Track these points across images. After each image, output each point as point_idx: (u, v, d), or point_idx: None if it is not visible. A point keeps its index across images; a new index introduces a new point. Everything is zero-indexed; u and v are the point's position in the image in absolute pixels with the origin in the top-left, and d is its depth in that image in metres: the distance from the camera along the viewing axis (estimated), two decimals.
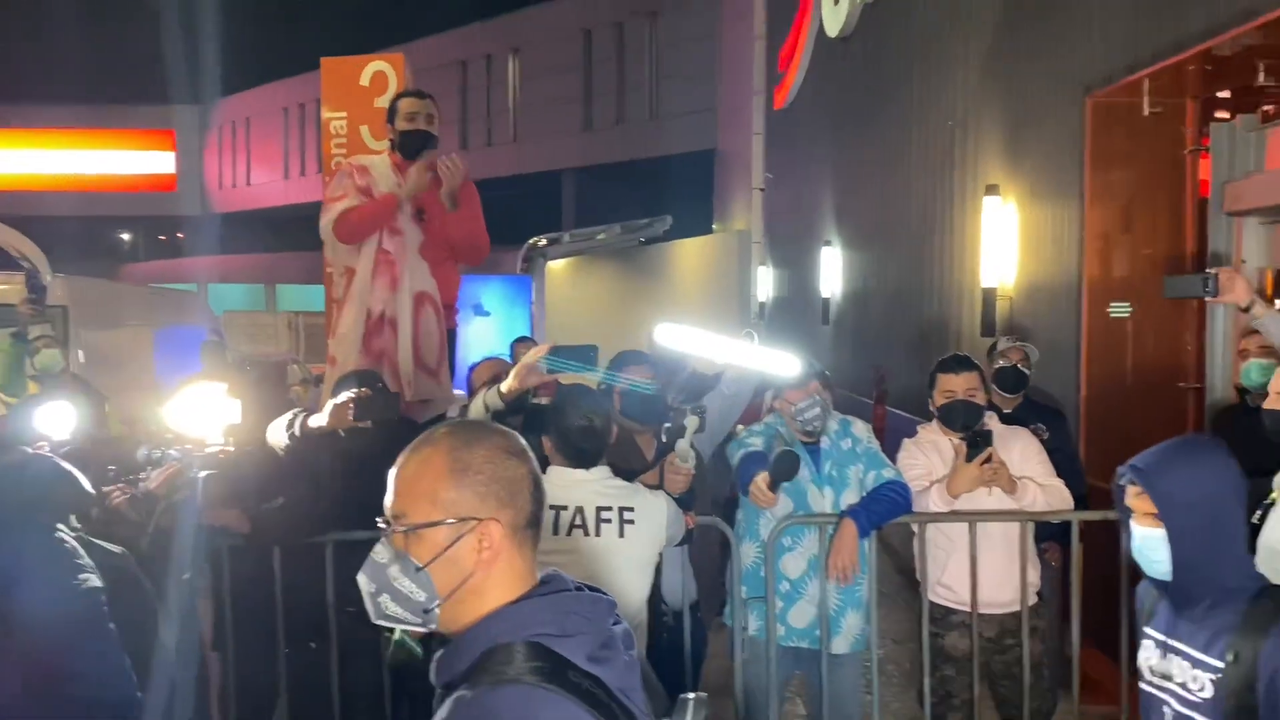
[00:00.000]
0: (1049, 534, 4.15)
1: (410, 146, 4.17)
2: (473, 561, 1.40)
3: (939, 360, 3.72)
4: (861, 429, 3.60)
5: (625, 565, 2.84)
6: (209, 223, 27.69)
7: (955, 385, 3.59)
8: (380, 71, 5.64)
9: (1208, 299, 3.32)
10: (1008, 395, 4.54)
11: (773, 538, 3.45)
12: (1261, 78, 4.40)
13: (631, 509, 2.86)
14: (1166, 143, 5.21)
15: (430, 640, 2.91)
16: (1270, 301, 4.21)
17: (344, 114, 5.66)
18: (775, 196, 14.77)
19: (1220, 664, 1.89)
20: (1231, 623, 1.90)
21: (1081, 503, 3.99)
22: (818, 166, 12.61)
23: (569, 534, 2.81)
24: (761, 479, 3.27)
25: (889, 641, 5.55)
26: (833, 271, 11.70)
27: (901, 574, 5.87)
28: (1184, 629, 1.98)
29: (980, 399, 3.60)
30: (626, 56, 20.69)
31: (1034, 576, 3.66)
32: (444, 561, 1.39)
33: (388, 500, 1.45)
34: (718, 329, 3.71)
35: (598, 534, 2.82)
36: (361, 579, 1.46)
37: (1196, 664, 1.94)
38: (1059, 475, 3.83)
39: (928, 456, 3.64)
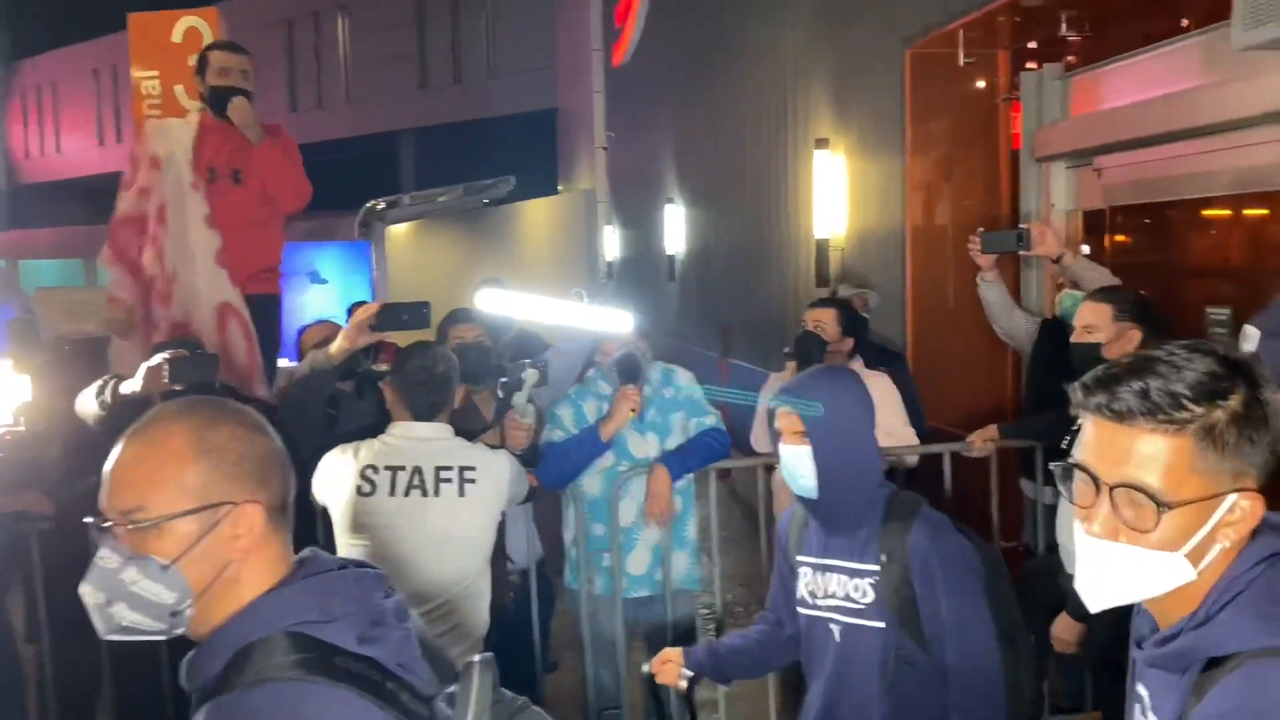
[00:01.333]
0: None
1: (223, 103, 3.96)
2: (229, 551, 1.26)
3: (809, 304, 3.93)
4: (684, 377, 3.65)
5: (467, 525, 2.81)
6: (14, 195, 25.77)
7: (807, 318, 3.75)
8: (193, 27, 5.32)
9: (1021, 253, 3.55)
10: (848, 338, 4.68)
11: (615, 489, 3.47)
12: (1065, 28, 4.63)
13: (472, 468, 2.83)
14: (981, 93, 5.44)
15: None
16: (1077, 249, 4.48)
17: (155, 73, 5.32)
18: (619, 155, 14.75)
19: (875, 566, 2.08)
20: (877, 528, 2.10)
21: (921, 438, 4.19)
22: (658, 124, 12.66)
23: (407, 494, 2.76)
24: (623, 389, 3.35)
25: (736, 585, 5.69)
26: (676, 229, 11.81)
27: (749, 518, 6.03)
28: (836, 545, 2.15)
29: (830, 333, 3.74)
30: (462, 13, 20.19)
31: None
32: (196, 555, 1.25)
33: (110, 496, 1.28)
34: (567, 290, 3.73)
35: (437, 494, 2.77)
36: (86, 590, 1.28)
37: (854, 574, 2.11)
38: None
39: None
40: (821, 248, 7.08)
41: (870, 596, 2.10)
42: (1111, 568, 1.19)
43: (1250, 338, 2.61)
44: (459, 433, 2.95)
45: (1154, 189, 4.18)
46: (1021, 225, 3.56)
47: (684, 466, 3.51)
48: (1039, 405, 3.77)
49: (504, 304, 3.43)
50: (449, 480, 2.77)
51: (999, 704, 2.04)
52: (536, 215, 17.18)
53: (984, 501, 3.85)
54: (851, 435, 2.14)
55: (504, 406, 3.26)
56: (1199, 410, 1.14)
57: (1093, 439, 1.20)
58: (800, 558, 2.25)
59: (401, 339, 3.28)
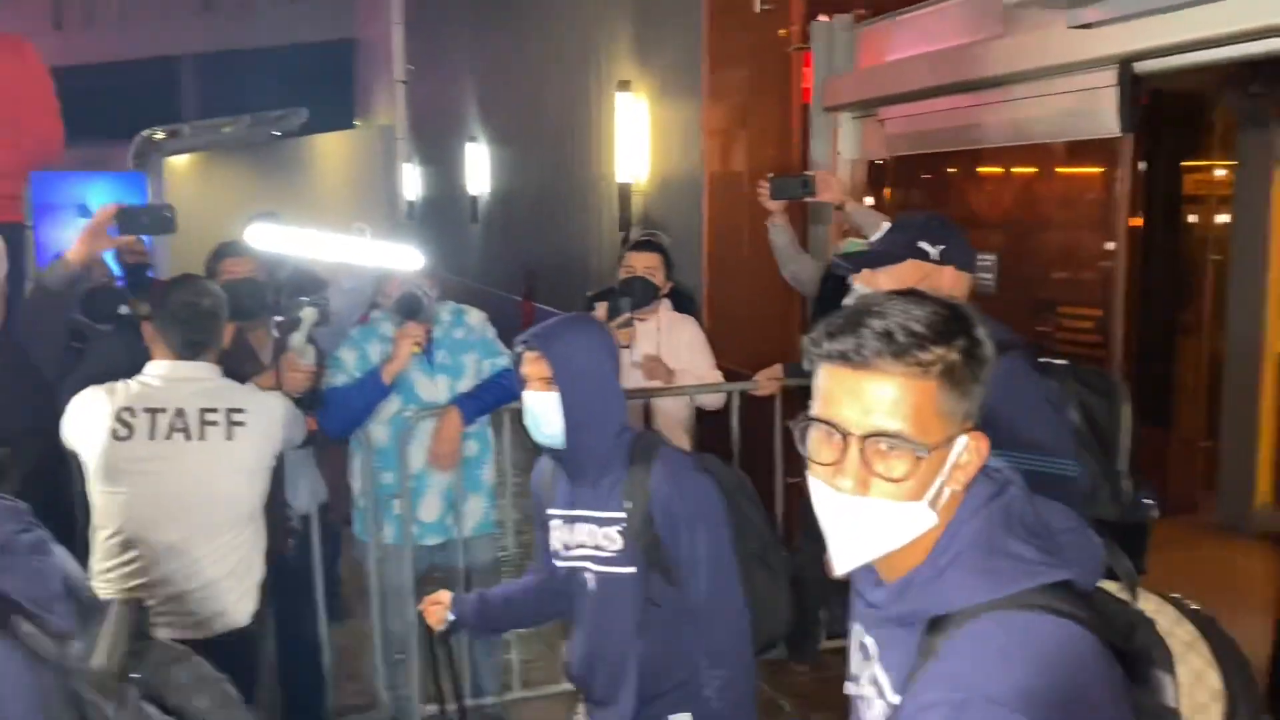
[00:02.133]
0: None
1: None
2: None
3: (624, 241, 3.88)
4: (476, 318, 3.57)
5: (234, 470, 2.65)
6: None
7: (636, 262, 3.71)
8: None
9: (807, 199, 3.65)
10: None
11: (402, 435, 3.37)
12: None
13: (241, 410, 2.66)
14: (776, 41, 5.53)
15: None
16: (859, 197, 4.66)
17: None
18: (419, 90, 14.26)
19: (621, 514, 2.09)
20: (621, 474, 2.10)
21: None
22: (460, 59, 12.29)
23: (169, 438, 2.57)
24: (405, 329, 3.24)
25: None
26: (479, 169, 11.56)
27: None
28: (583, 496, 2.15)
29: (659, 279, 3.72)
30: None
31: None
32: None
33: None
34: (363, 229, 3.56)
35: (202, 437, 2.59)
36: None
37: (602, 521, 2.11)
38: None
39: None
40: (624, 191, 7.08)
41: (619, 544, 2.10)
42: (864, 525, 1.15)
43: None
44: (229, 374, 2.77)
45: (931, 140, 4.37)
46: (807, 172, 3.66)
47: (477, 409, 3.44)
48: None
49: (278, 239, 3.24)
50: (215, 423, 2.60)
51: (745, 639, 2.10)
52: (331, 150, 16.44)
53: (771, 439, 3.98)
54: (598, 381, 2.11)
55: (280, 347, 3.09)
56: (939, 351, 1.12)
57: (834, 389, 1.16)
58: (551, 511, 2.24)
59: None
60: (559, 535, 2.21)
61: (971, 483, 1.18)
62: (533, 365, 2.12)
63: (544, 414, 2.10)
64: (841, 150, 5.00)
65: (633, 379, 3.62)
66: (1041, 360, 2.10)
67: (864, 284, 2.14)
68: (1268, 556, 4.94)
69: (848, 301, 2.11)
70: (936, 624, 1.13)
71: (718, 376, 3.87)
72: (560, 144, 8.83)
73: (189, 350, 2.63)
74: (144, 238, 4.18)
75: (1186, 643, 1.23)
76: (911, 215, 2.22)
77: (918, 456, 1.12)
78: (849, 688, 1.38)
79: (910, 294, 1.19)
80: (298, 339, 3.03)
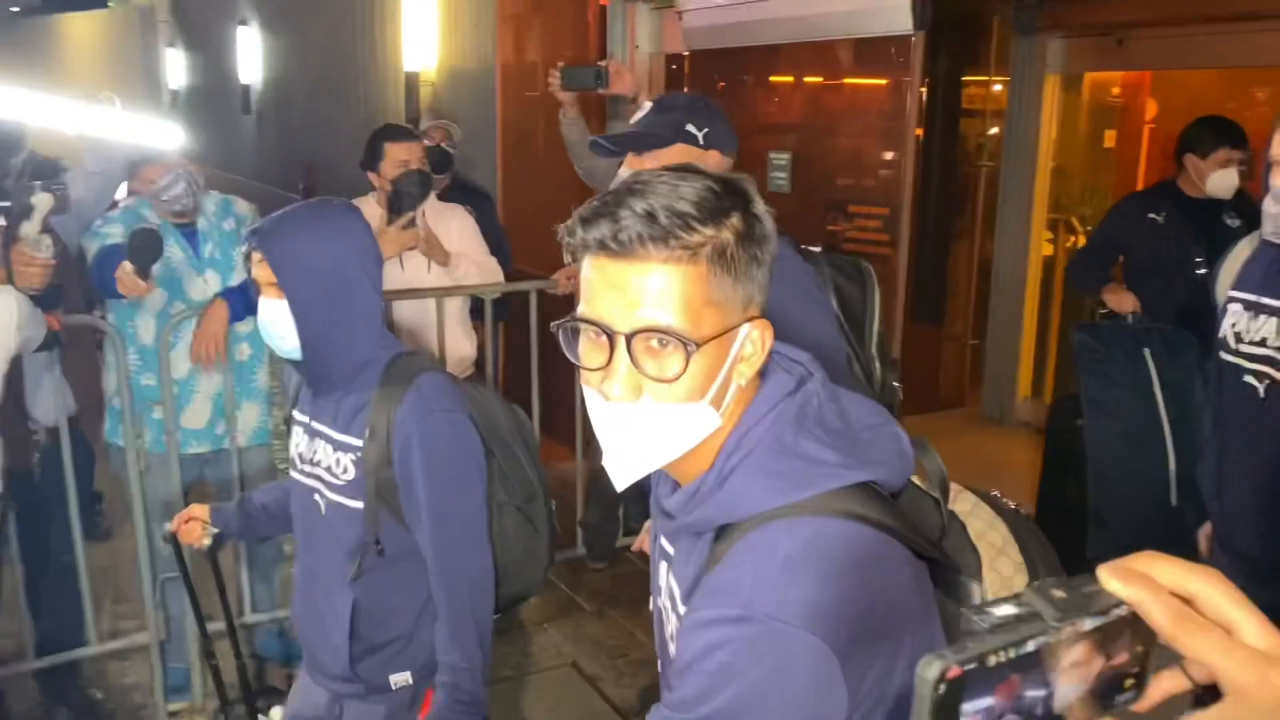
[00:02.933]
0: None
1: None
2: None
3: (380, 130, 3.49)
4: (244, 207, 3.28)
5: None
6: None
7: (409, 155, 3.39)
8: None
9: (599, 90, 3.50)
10: (436, 175, 4.47)
11: (163, 337, 3.06)
12: None
13: None
14: None
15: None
16: (651, 91, 4.56)
17: None
18: None
19: (359, 441, 1.79)
20: (366, 398, 1.79)
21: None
22: None
23: None
24: (125, 267, 2.84)
25: None
26: (252, 54, 10.71)
27: None
28: (325, 409, 1.85)
29: (425, 169, 3.46)
30: None
31: (470, 349, 3.70)
32: None
33: None
34: (112, 99, 3.15)
35: None
36: None
37: (338, 445, 1.82)
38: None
39: None
40: (411, 81, 6.71)
41: (351, 474, 1.80)
42: (640, 433, 1.03)
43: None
44: None
45: (729, 35, 4.30)
46: (600, 63, 3.50)
47: (247, 305, 3.15)
48: None
49: (11, 104, 2.81)
50: None
51: (483, 598, 1.84)
52: (82, 31, 14.84)
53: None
54: (335, 285, 1.75)
55: (9, 237, 2.70)
56: (709, 231, 0.99)
57: (596, 283, 1.02)
58: (295, 413, 1.95)
59: None
60: (299, 443, 1.93)
61: (764, 377, 1.07)
62: (259, 268, 1.76)
63: (272, 324, 1.78)
64: (639, 44, 4.88)
65: (418, 274, 3.43)
66: (801, 248, 2.09)
67: (630, 169, 2.03)
68: (1028, 444, 5.33)
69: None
70: (724, 532, 1.03)
71: (494, 263, 3.69)
72: (341, 29, 8.25)
73: None
74: None
75: (998, 547, 1.18)
76: (674, 95, 2.13)
77: (690, 352, 0.99)
78: (652, 601, 1.28)
79: (683, 169, 1.04)
80: (30, 228, 2.66)
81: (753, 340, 1.04)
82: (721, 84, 4.79)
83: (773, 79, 4.53)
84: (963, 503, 1.19)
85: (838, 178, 4.11)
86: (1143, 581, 0.57)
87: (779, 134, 4.40)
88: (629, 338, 1.00)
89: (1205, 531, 2.33)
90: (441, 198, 4.31)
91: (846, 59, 4.08)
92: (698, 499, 1.06)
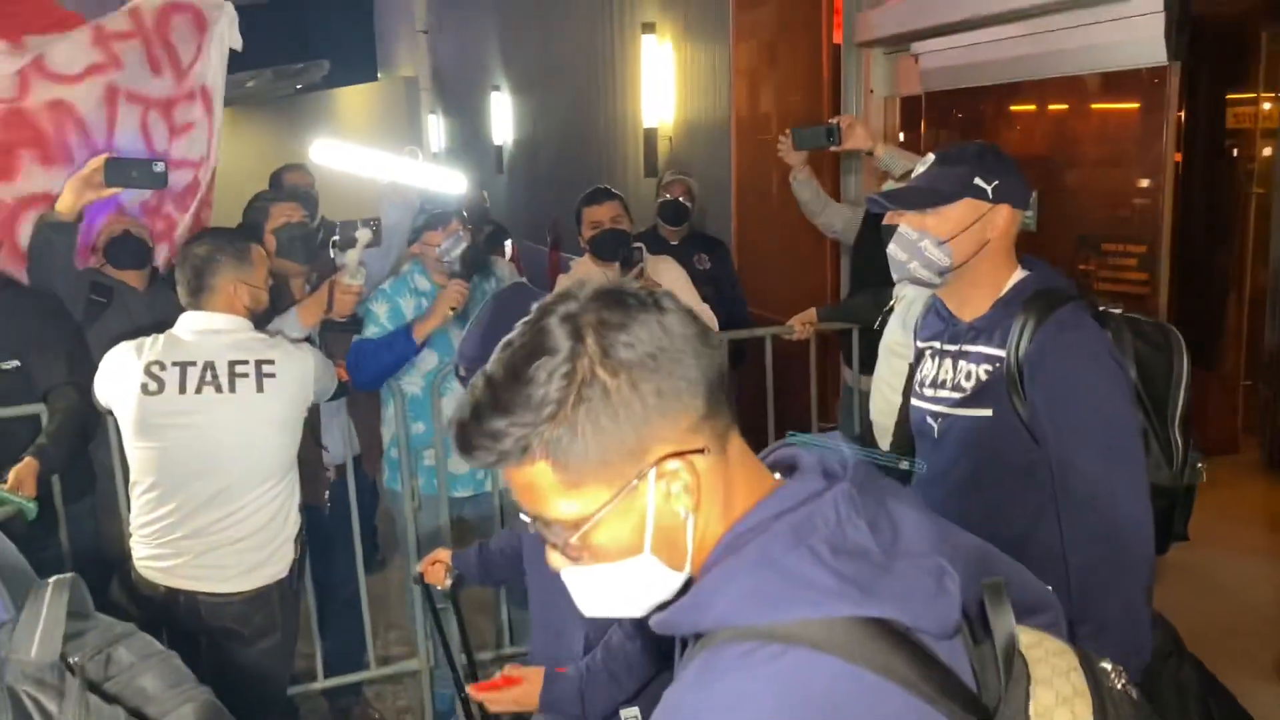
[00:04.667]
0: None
1: None
2: None
3: (582, 195, 3.73)
4: (505, 269, 3.55)
5: (266, 422, 2.63)
6: None
7: (600, 215, 3.61)
8: None
9: (833, 148, 3.50)
10: (672, 228, 4.65)
11: (433, 388, 3.34)
12: None
13: (271, 361, 2.64)
14: None
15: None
16: (887, 141, 4.55)
17: None
18: (441, 40, 14.10)
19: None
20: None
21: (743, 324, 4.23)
22: (482, 6, 12.12)
23: (199, 391, 2.56)
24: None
25: None
26: (503, 118, 11.44)
27: None
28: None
29: (625, 226, 3.64)
30: None
31: None
32: None
33: None
34: (388, 185, 3.58)
35: (232, 390, 2.58)
36: None
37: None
38: (722, 301, 4.07)
39: None
40: (650, 136, 6.98)
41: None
42: (593, 592, 0.98)
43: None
44: (260, 318, 2.78)
45: (967, 75, 4.24)
46: (830, 121, 3.53)
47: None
48: (862, 287, 3.84)
49: (337, 155, 3.23)
50: (245, 375, 2.58)
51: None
52: (354, 103, 16.34)
53: (806, 385, 3.92)
54: None
55: (332, 267, 3.09)
56: (520, 434, 0.88)
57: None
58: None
59: None
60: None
61: (781, 483, 0.96)
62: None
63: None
64: (874, 88, 4.88)
65: None
66: (1100, 310, 1.95)
67: (912, 227, 1.91)
68: None
69: (894, 250, 1.95)
70: (699, 641, 0.92)
71: (709, 310, 3.77)
72: (584, 90, 8.70)
73: (190, 298, 2.62)
74: None
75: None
76: (960, 145, 1.96)
77: (576, 533, 0.92)
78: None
79: (533, 329, 0.91)
80: (353, 256, 3.00)
81: (673, 476, 0.91)
82: (960, 123, 4.71)
83: (1014, 115, 4.42)
84: (1043, 667, 0.95)
85: (1089, 214, 3.94)
86: None
87: (1025, 171, 4.28)
88: (531, 522, 0.96)
89: None
90: (679, 247, 4.48)
91: (1095, 93, 3.93)
92: (679, 601, 0.94)
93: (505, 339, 0.93)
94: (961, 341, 1.95)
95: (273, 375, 2.62)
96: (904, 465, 2.39)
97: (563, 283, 3.76)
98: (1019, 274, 1.93)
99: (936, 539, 0.95)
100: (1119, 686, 0.97)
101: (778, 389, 3.84)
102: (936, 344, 2.02)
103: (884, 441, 2.89)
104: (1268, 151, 5.69)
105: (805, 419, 3.97)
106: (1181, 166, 5.70)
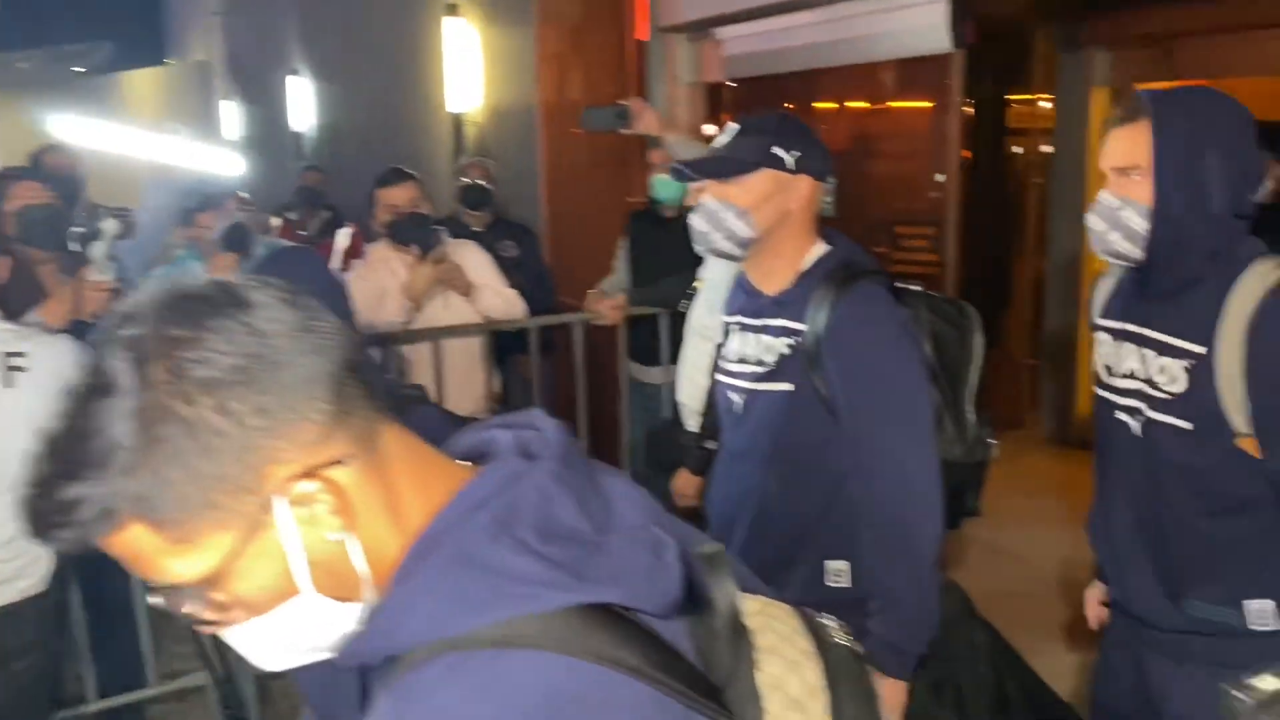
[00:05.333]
0: (516, 347, 4.26)
1: None
2: None
3: (376, 178, 3.54)
4: (198, 270, 3.36)
5: (16, 420, 2.35)
6: None
7: (397, 198, 3.45)
8: None
9: (622, 130, 3.47)
10: (476, 213, 4.53)
11: None
12: None
13: (20, 354, 2.37)
14: None
15: None
16: (679, 127, 4.58)
17: None
18: (236, 23, 13.39)
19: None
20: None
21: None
22: None
23: None
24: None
25: None
26: (305, 103, 10.95)
27: None
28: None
29: (425, 208, 3.50)
30: None
31: (496, 386, 3.72)
32: None
33: None
34: (177, 173, 3.27)
35: None
36: None
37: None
38: (530, 289, 3.94)
39: (380, 277, 3.49)
40: (457, 122, 6.81)
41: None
42: (263, 645, 0.82)
43: None
44: (13, 313, 2.49)
45: (768, 61, 4.31)
46: (620, 102, 3.50)
47: None
48: (643, 282, 3.85)
49: (91, 132, 2.93)
50: None
51: None
52: (142, 87, 15.32)
53: (615, 368, 3.88)
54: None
55: (77, 262, 2.79)
56: (102, 492, 0.72)
57: None
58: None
59: None
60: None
61: (473, 472, 0.83)
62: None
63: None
64: (679, 74, 4.90)
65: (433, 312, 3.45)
66: (897, 286, 1.94)
67: (714, 197, 1.85)
68: (1088, 464, 5.19)
69: (697, 221, 1.89)
70: (389, 670, 0.77)
71: (514, 294, 3.69)
72: (389, 74, 8.42)
73: None
74: None
75: (794, 700, 0.86)
76: (760, 116, 1.92)
77: (199, 591, 0.77)
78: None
79: (85, 379, 0.74)
80: (99, 249, 2.74)
81: (311, 500, 0.76)
82: (763, 110, 4.78)
83: (815, 103, 4.52)
84: (768, 634, 0.88)
85: (884, 199, 4.08)
86: None
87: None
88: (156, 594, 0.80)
89: (1094, 595, 2.06)
90: (484, 234, 4.36)
91: (888, 81, 4.06)
92: (365, 624, 0.80)
93: (64, 388, 0.75)
94: (764, 316, 1.92)
95: (23, 368, 2.35)
96: (709, 446, 2.38)
97: (360, 270, 3.58)
98: (821, 248, 1.91)
99: (651, 511, 0.85)
100: (842, 643, 0.92)
101: (588, 374, 3.79)
102: (740, 319, 1.99)
103: (693, 424, 2.88)
104: (1045, 148, 6.07)
105: (616, 401, 3.94)
106: (969, 155, 6.02)
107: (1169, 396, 1.68)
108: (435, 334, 3.44)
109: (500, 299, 3.57)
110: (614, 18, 5.37)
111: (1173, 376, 1.67)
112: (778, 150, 1.84)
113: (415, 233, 3.36)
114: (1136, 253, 1.68)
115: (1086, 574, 3.86)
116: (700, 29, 4.65)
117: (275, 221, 5.41)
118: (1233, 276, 1.60)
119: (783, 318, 1.88)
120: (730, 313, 2.04)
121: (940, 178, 3.67)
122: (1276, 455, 1.59)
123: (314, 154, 11.15)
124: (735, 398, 1.98)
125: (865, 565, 1.82)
